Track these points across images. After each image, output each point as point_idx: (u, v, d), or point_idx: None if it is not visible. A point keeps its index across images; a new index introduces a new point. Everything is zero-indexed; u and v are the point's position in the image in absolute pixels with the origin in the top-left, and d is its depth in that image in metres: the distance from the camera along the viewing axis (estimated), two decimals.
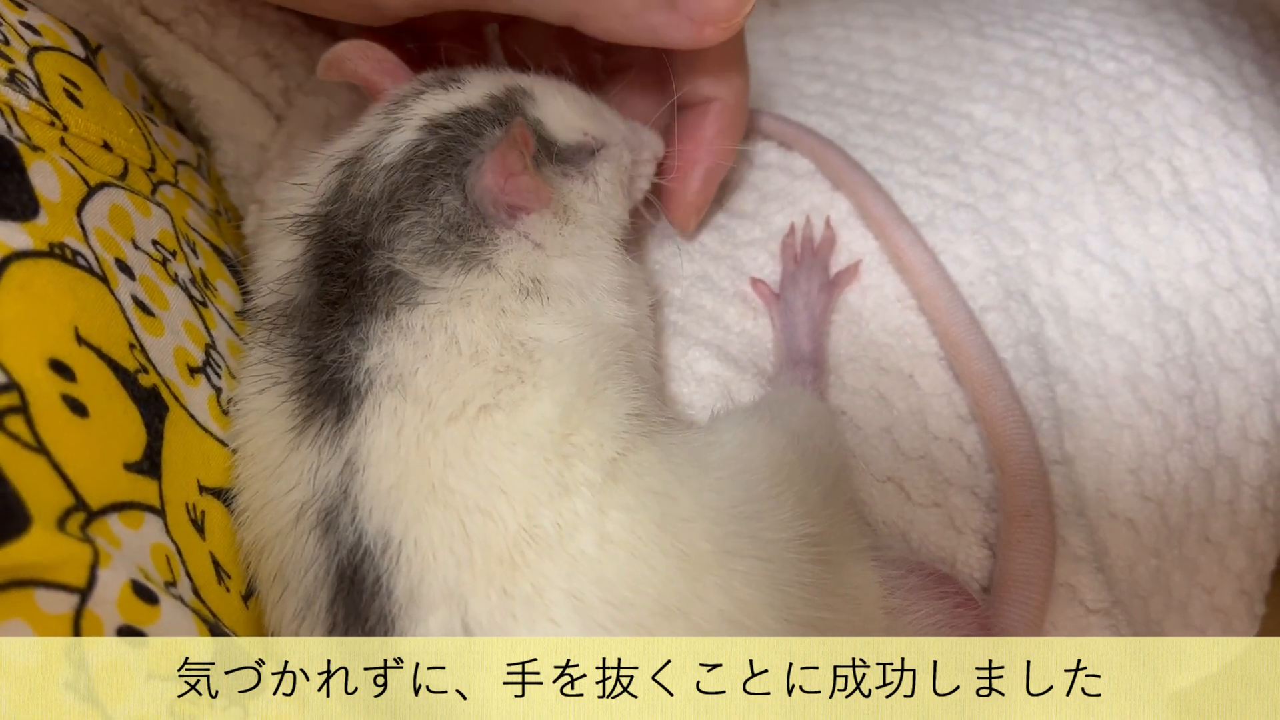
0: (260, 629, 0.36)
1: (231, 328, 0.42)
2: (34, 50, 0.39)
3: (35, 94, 0.37)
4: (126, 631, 0.29)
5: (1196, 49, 0.57)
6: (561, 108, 0.42)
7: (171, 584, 0.32)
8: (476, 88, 0.42)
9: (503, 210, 0.38)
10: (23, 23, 0.40)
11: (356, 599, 0.33)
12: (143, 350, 0.35)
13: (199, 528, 0.35)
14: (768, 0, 0.64)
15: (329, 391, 0.35)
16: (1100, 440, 0.46)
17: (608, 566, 0.33)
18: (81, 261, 0.33)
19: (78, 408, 0.30)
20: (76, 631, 0.27)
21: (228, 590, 0.35)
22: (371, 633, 0.32)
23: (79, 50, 0.42)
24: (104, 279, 0.34)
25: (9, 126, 0.34)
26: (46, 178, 0.34)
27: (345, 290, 0.37)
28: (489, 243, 0.38)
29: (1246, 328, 0.50)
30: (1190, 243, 0.51)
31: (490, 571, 0.32)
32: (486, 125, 0.40)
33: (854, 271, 0.48)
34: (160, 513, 0.33)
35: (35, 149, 0.34)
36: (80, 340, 0.32)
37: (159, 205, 0.40)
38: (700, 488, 0.36)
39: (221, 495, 0.37)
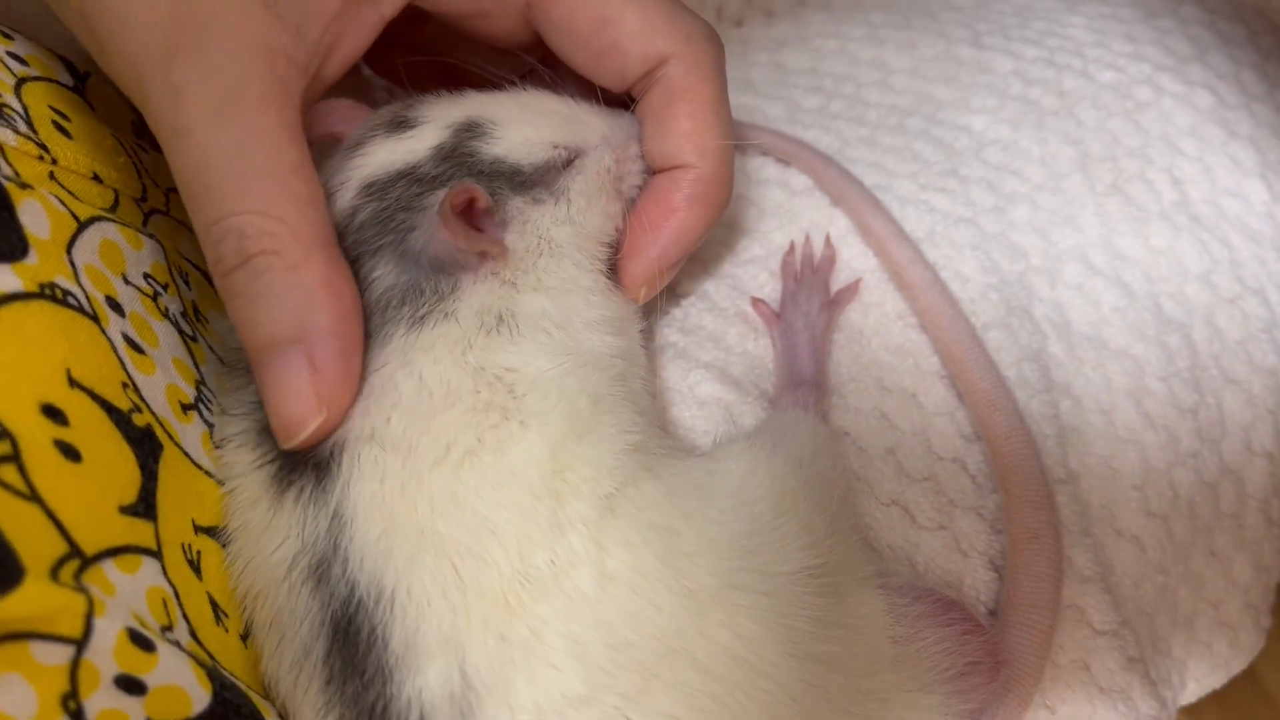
0: (258, 670, 0.36)
1: (221, 360, 0.41)
2: (21, 81, 0.38)
3: (23, 127, 0.36)
4: (123, 681, 0.28)
5: (1195, 56, 0.57)
6: (524, 129, 0.40)
7: (168, 628, 0.31)
8: (425, 132, 0.40)
9: (469, 258, 0.37)
10: (9, 53, 0.39)
11: (353, 650, 0.32)
12: (135, 389, 0.34)
13: (195, 568, 0.34)
14: (763, 12, 0.63)
15: (302, 463, 0.35)
16: (1105, 457, 0.46)
17: (607, 605, 0.33)
18: (72, 301, 0.33)
19: (71, 453, 0.30)
20: (73, 682, 0.27)
21: (226, 630, 0.35)
22: (370, 684, 0.32)
23: (67, 79, 0.42)
24: (95, 318, 0.33)
25: None
26: (35, 216, 0.33)
27: None
28: (441, 295, 0.37)
29: (1249, 338, 0.50)
30: (1192, 254, 0.51)
31: (486, 617, 0.32)
32: (430, 188, 0.38)
33: (854, 289, 0.47)
34: (157, 555, 0.32)
35: (24, 186, 0.33)
36: (72, 383, 0.31)
37: (150, 236, 0.40)
38: (703, 520, 0.35)
39: (216, 534, 0.36)
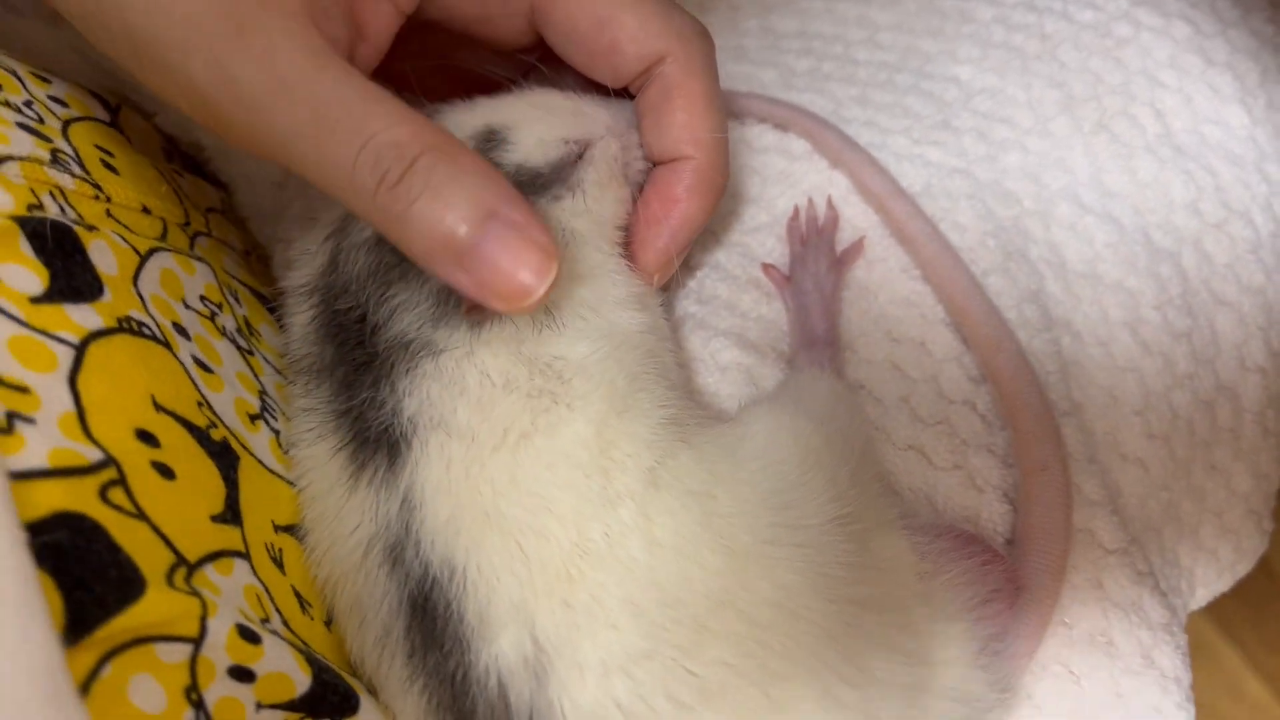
0: (343, 652, 0.39)
1: (277, 370, 0.44)
2: (67, 124, 0.41)
3: (78, 170, 0.39)
4: (236, 671, 0.31)
5: None
6: (536, 129, 0.43)
7: (265, 620, 0.35)
8: None
9: None
10: (51, 97, 0.42)
11: (431, 625, 0.36)
12: (209, 406, 0.37)
13: (279, 564, 0.38)
14: None
15: (376, 441, 0.38)
16: (1106, 387, 0.48)
17: (658, 569, 0.36)
18: (146, 331, 0.36)
19: (166, 471, 0.33)
20: (193, 676, 0.30)
21: (311, 618, 0.38)
22: (449, 655, 0.35)
23: (104, 115, 0.44)
24: (166, 344, 0.36)
25: (62, 209, 0.36)
26: (103, 254, 0.36)
27: (366, 358, 0.39)
28: None
29: (1237, 260, 0.53)
30: (1177, 184, 0.53)
31: (551, 587, 0.35)
32: None
33: (859, 248, 0.50)
34: (246, 556, 0.35)
35: (90, 228, 0.36)
36: (158, 407, 0.34)
37: (199, 259, 0.42)
38: (736, 483, 0.39)
39: (293, 531, 0.40)
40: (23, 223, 0.33)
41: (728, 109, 0.54)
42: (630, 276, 0.44)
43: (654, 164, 0.44)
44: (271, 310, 0.46)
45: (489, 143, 0.42)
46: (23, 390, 0.30)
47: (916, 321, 0.48)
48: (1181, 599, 0.50)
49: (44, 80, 0.42)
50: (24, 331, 0.31)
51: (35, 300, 0.32)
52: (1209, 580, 0.52)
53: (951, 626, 0.40)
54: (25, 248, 0.33)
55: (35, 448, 0.29)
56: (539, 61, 0.47)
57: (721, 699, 0.35)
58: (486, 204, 0.34)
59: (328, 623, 0.39)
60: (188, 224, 0.44)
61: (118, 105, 0.46)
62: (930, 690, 0.39)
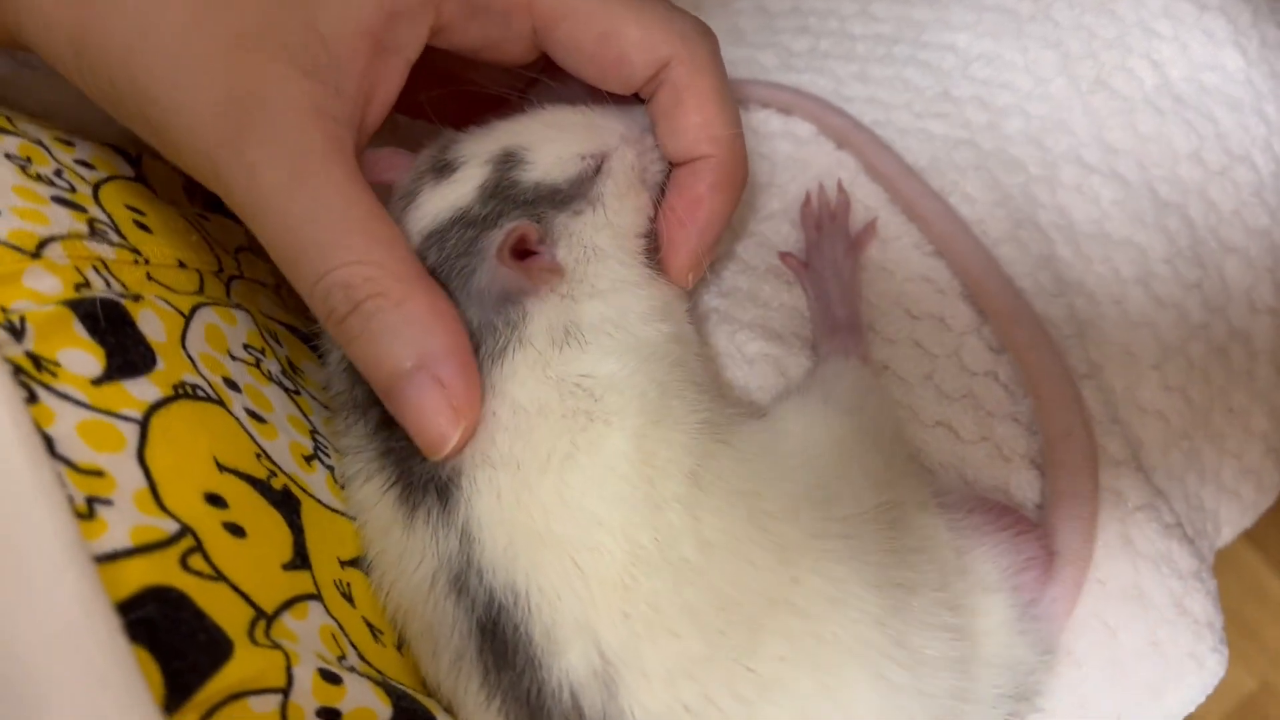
0: (417, 674, 0.41)
1: (324, 405, 0.46)
2: (97, 187, 0.42)
3: (115, 237, 0.40)
4: (323, 712, 0.33)
5: None
6: (553, 147, 0.44)
7: (342, 657, 0.37)
8: (467, 173, 0.43)
9: (527, 284, 0.41)
10: (78, 160, 0.43)
11: (502, 647, 0.37)
12: (267, 456, 0.39)
13: (349, 598, 0.39)
14: None
15: (425, 485, 0.39)
16: (1122, 344, 0.50)
17: (711, 570, 0.37)
18: (200, 393, 0.37)
19: (237, 530, 0.35)
20: None
21: (384, 646, 0.40)
22: (522, 674, 0.37)
23: (128, 170, 0.45)
24: (220, 401, 0.38)
25: (107, 283, 0.37)
26: (150, 323, 0.37)
27: None
28: (514, 324, 0.40)
29: (1242, 205, 0.54)
30: (1179, 135, 0.54)
31: (610, 600, 0.37)
32: (484, 228, 0.41)
33: (872, 229, 0.51)
34: (318, 597, 0.37)
35: (135, 298, 0.37)
36: (221, 468, 0.36)
37: (238, 307, 0.44)
38: (777, 479, 0.40)
39: (358, 564, 0.41)
40: (74, 306, 0.34)
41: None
42: (653, 287, 0.44)
43: (673, 166, 0.45)
44: (310, 345, 0.48)
45: (507, 163, 0.43)
46: (97, 474, 0.31)
47: (934, 297, 0.49)
48: (1208, 541, 0.52)
49: (68, 144, 0.43)
50: (91, 415, 0.32)
51: (96, 382, 0.33)
52: (1233, 519, 0.54)
53: (990, 597, 0.42)
54: (80, 330, 0.34)
55: (117, 529, 0.30)
56: (544, 74, 0.47)
57: (780, 691, 0.37)
58: (415, 358, 0.37)
59: (399, 646, 0.41)
60: (220, 270, 0.46)
61: (138, 155, 0.47)
62: (976, 660, 0.41)
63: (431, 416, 0.37)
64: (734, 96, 0.44)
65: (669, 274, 0.45)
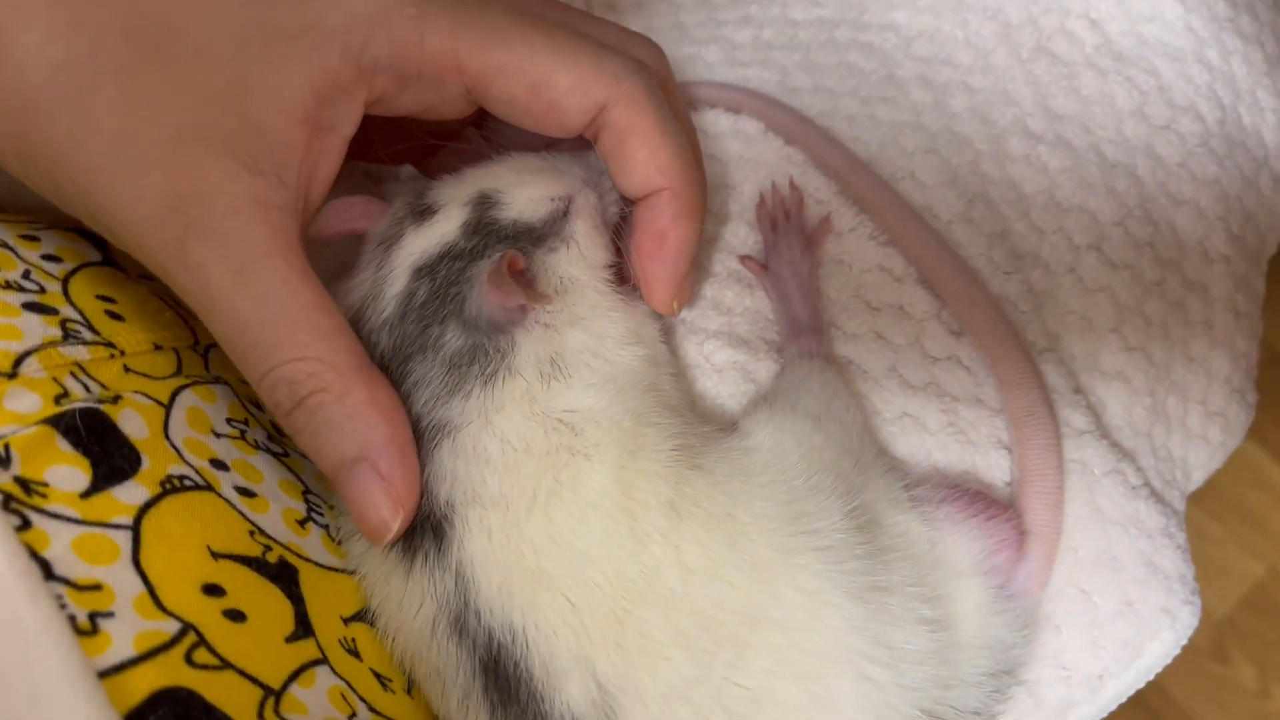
0: (430, 714, 0.43)
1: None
2: (66, 280, 0.43)
3: (88, 335, 0.41)
4: None
5: None
6: (524, 190, 0.45)
7: (353, 715, 0.39)
8: (449, 213, 0.45)
9: (517, 314, 0.42)
10: (44, 256, 0.44)
11: (505, 684, 0.39)
12: (260, 531, 0.40)
13: (355, 654, 0.41)
14: None
15: (422, 528, 0.41)
16: (1079, 312, 0.51)
17: (694, 595, 0.39)
18: (188, 482, 0.39)
19: (237, 616, 0.36)
20: None
21: (393, 692, 0.42)
22: (526, 708, 0.39)
23: (95, 255, 0.46)
24: (209, 486, 0.39)
25: (86, 387, 0.39)
26: (131, 421, 0.39)
27: None
28: (503, 351, 0.42)
29: (1189, 157, 0.54)
30: (1121, 93, 0.54)
31: (604, 632, 0.39)
32: (471, 259, 0.43)
33: (827, 225, 0.52)
34: (324, 660, 0.39)
35: (114, 399, 0.39)
36: (216, 555, 0.37)
37: (216, 380, 0.45)
38: (750, 499, 0.42)
39: (361, 616, 0.43)
40: (55, 422, 0.36)
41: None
42: (625, 310, 0.46)
43: (632, 202, 0.46)
44: None
45: (484, 204, 0.45)
46: (96, 588, 0.33)
47: (892, 286, 0.50)
48: (1179, 489, 0.53)
49: (33, 240, 0.44)
50: (83, 530, 0.34)
51: (85, 494, 0.35)
52: (1203, 463, 0.55)
53: (966, 582, 0.44)
54: (63, 445, 0.36)
55: (120, 640, 0.32)
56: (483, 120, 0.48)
57: (770, 703, 0.39)
58: (357, 449, 0.39)
59: (409, 689, 0.43)
60: (196, 343, 0.47)
61: None
62: (956, 646, 0.43)
63: (373, 507, 0.39)
64: (681, 125, 0.45)
65: (654, 306, 0.47)
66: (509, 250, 0.43)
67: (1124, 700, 0.47)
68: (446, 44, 0.41)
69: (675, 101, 0.46)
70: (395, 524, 0.40)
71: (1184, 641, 0.46)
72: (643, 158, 0.43)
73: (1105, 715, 0.47)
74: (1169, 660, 0.47)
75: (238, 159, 0.38)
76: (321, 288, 0.40)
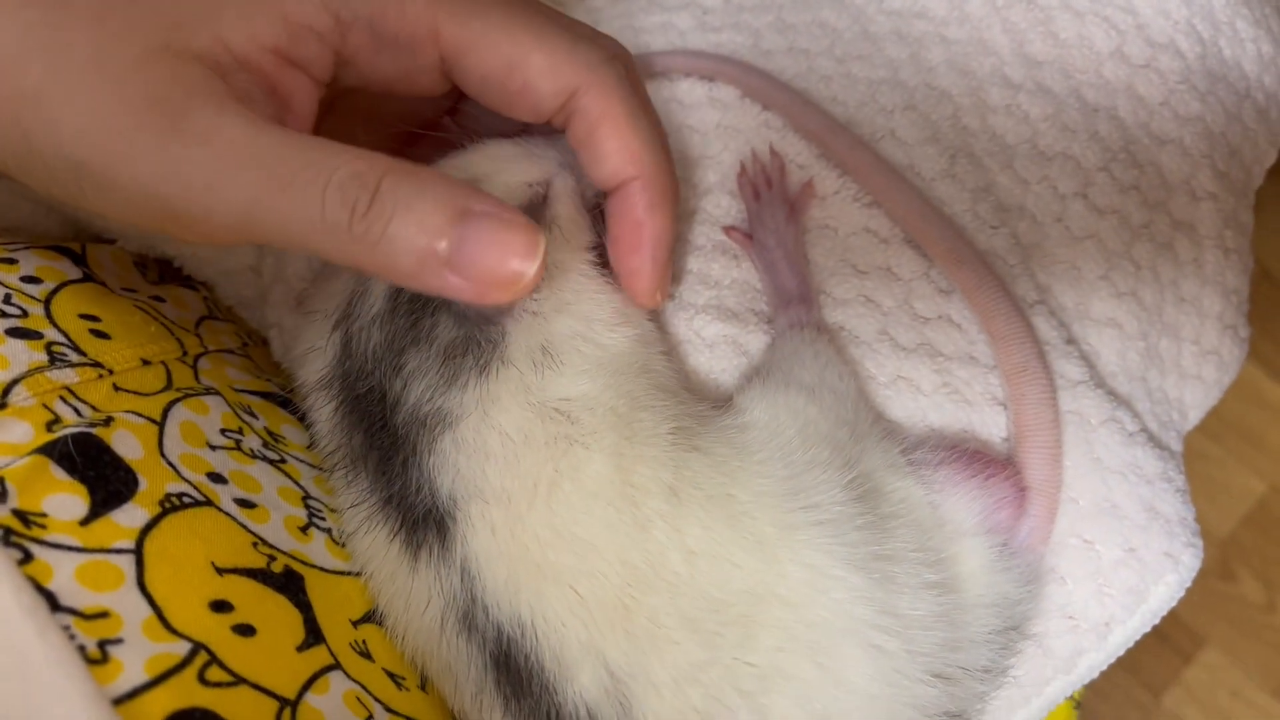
0: (445, 707, 0.43)
1: (311, 465, 0.47)
2: (47, 302, 0.43)
3: (75, 356, 0.41)
4: None
5: None
6: (503, 179, 0.45)
7: (370, 718, 0.39)
8: None
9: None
10: (23, 278, 0.43)
11: (517, 678, 0.40)
12: (263, 541, 0.40)
13: (367, 655, 0.42)
14: None
15: (425, 523, 0.41)
16: (1068, 261, 0.51)
17: (699, 577, 0.40)
18: (187, 499, 0.39)
19: (247, 630, 0.37)
20: None
21: (408, 690, 0.42)
22: (540, 699, 0.39)
23: (75, 271, 0.46)
24: (208, 501, 0.39)
25: (77, 410, 0.39)
26: (125, 442, 0.38)
27: (392, 440, 0.42)
28: (495, 341, 0.42)
29: (1170, 95, 0.54)
30: (1099, 34, 0.54)
31: (611, 621, 0.39)
32: None
33: (810, 190, 0.51)
34: (337, 666, 0.39)
35: (106, 421, 0.38)
36: (221, 571, 0.37)
37: (208, 391, 0.45)
38: (749, 477, 0.42)
39: (370, 617, 0.43)
40: (48, 450, 0.36)
41: (650, 72, 0.55)
42: (611, 292, 0.46)
43: (605, 193, 0.46)
44: (286, 406, 0.49)
45: None
46: (103, 615, 0.33)
47: (878, 248, 0.50)
48: (1175, 430, 0.53)
49: (11, 263, 0.44)
50: (86, 557, 0.34)
51: (84, 521, 0.35)
52: (1199, 402, 0.55)
53: (968, 541, 0.44)
54: (58, 473, 0.36)
55: (132, 666, 0.32)
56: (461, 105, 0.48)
57: (781, 680, 0.39)
58: (457, 204, 0.36)
59: (422, 686, 0.44)
60: (185, 354, 0.47)
61: (83, 247, 0.48)
62: (962, 607, 0.43)
63: (504, 251, 0.36)
64: (652, 115, 0.45)
65: (637, 300, 0.46)
66: None
67: (1131, 645, 0.47)
68: (426, 9, 0.40)
69: (645, 95, 0.45)
70: (535, 258, 0.37)
71: (1188, 584, 0.47)
72: (614, 145, 0.43)
73: (1113, 660, 0.47)
74: (1174, 604, 0.47)
75: (211, 68, 0.37)
76: None
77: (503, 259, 0.36)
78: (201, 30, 0.37)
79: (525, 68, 0.42)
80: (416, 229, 0.35)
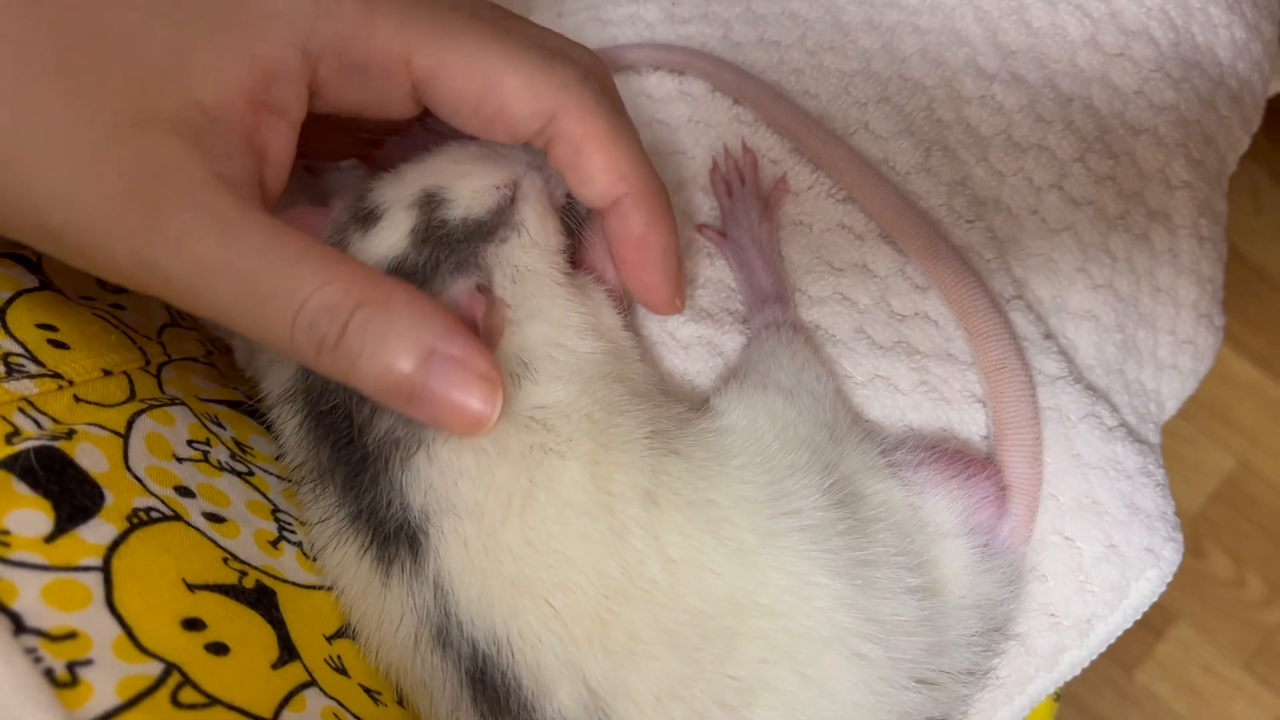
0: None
1: (279, 477, 0.46)
2: (2, 313, 0.41)
3: (33, 367, 0.40)
4: None
5: None
6: (468, 182, 0.44)
7: None
8: (394, 219, 0.43)
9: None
10: None
11: (494, 695, 0.39)
12: (234, 557, 0.39)
13: (342, 671, 0.41)
14: None
15: (397, 539, 0.40)
16: (1044, 253, 0.50)
17: (678, 587, 0.39)
18: (155, 514, 0.38)
19: (220, 649, 0.36)
20: None
21: (384, 706, 0.42)
22: (517, 717, 0.39)
23: (31, 280, 0.45)
24: (177, 516, 0.38)
25: (37, 423, 0.37)
26: (89, 455, 0.37)
27: (360, 456, 0.41)
28: None
29: (1145, 83, 0.53)
30: (1072, 22, 0.53)
31: (589, 635, 0.38)
32: (426, 278, 0.42)
33: (783, 186, 0.51)
34: (313, 683, 0.39)
35: (69, 435, 0.37)
36: (191, 588, 0.36)
37: (173, 402, 0.44)
38: (729, 482, 0.41)
39: (343, 633, 0.43)
40: (9, 464, 0.34)
41: (618, 65, 0.54)
42: (581, 298, 0.45)
43: (596, 211, 0.45)
44: (252, 416, 0.48)
45: (430, 204, 0.44)
46: (71, 636, 0.32)
47: (854, 245, 0.50)
48: (1153, 421, 0.53)
49: None
50: (52, 576, 0.33)
51: (49, 538, 0.34)
52: (1175, 392, 0.55)
53: (949, 543, 0.44)
54: (20, 488, 0.34)
55: (102, 689, 0.31)
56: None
57: (765, 692, 0.39)
58: (424, 345, 0.36)
59: (400, 701, 0.43)
60: (148, 363, 0.45)
61: (38, 257, 0.46)
62: (944, 611, 0.43)
63: (463, 396, 0.37)
64: (631, 128, 0.44)
65: (658, 313, 0.46)
66: (469, 286, 0.42)
67: (1113, 641, 0.47)
68: (396, 37, 0.39)
69: (622, 106, 0.45)
70: (497, 401, 0.38)
71: (1169, 578, 0.47)
72: (601, 164, 0.42)
73: (1095, 656, 0.47)
74: (1155, 599, 0.47)
75: (185, 137, 0.36)
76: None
77: (464, 402, 0.37)
78: (171, 88, 0.36)
79: (500, 91, 0.41)
80: (383, 368, 0.36)
